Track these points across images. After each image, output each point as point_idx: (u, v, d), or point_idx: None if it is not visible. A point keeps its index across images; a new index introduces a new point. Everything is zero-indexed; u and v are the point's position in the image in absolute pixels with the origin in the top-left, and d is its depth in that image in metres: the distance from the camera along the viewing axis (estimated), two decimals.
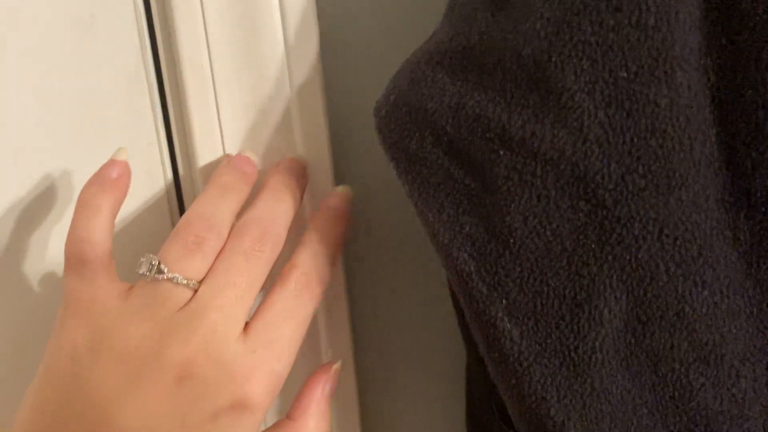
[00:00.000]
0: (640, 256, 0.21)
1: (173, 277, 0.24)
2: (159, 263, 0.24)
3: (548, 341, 0.22)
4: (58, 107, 0.29)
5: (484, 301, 0.23)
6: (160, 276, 0.24)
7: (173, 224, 0.32)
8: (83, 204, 0.25)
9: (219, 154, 0.30)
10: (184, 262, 0.24)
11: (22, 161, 0.29)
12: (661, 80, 0.21)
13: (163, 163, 0.32)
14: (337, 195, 0.29)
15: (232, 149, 0.30)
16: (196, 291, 0.24)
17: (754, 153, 0.21)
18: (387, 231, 0.33)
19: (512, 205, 0.22)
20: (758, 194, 0.21)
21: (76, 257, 0.25)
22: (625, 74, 0.21)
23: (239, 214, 0.27)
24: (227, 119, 0.30)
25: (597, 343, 0.22)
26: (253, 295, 0.25)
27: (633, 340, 0.22)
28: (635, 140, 0.21)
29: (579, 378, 0.22)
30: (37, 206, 0.30)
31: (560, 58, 0.21)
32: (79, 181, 0.30)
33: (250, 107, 0.30)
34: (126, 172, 0.26)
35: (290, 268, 0.26)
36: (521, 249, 0.22)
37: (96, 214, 0.25)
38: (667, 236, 0.21)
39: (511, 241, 0.22)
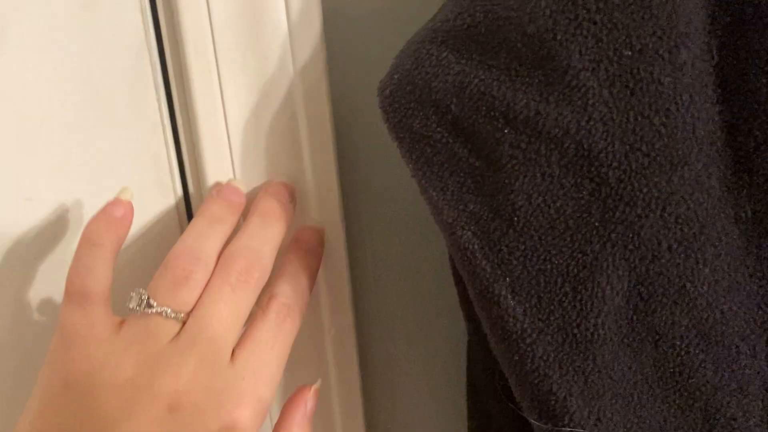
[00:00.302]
0: (642, 233, 0.22)
1: (162, 311, 0.25)
2: (148, 297, 0.25)
3: (551, 318, 0.22)
4: (60, 91, 0.29)
5: (488, 278, 0.23)
6: (150, 310, 0.25)
7: (178, 208, 0.32)
8: (87, 240, 0.26)
9: (223, 136, 0.30)
10: (173, 295, 0.25)
11: (22, 145, 0.29)
12: (665, 59, 0.21)
13: (167, 147, 0.32)
14: (311, 230, 0.31)
15: (236, 131, 0.30)
16: (184, 322, 0.25)
17: (757, 131, 0.21)
18: (391, 213, 0.34)
19: (516, 184, 0.22)
20: (760, 173, 0.22)
21: (77, 290, 0.26)
22: (630, 53, 0.21)
23: (228, 240, 0.28)
24: (231, 101, 0.30)
25: (599, 320, 0.22)
26: (240, 325, 0.26)
27: (634, 317, 0.22)
28: (639, 119, 0.21)
29: (581, 354, 0.22)
30: (38, 190, 0.30)
31: (565, 36, 0.21)
32: (84, 168, 0.30)
33: (254, 89, 0.30)
34: (130, 212, 0.27)
35: (270, 298, 0.27)
36: (525, 227, 0.22)
37: (99, 250, 0.26)
38: (670, 214, 0.21)
39: (515, 219, 0.22)
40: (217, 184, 0.30)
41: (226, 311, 0.25)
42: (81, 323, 0.25)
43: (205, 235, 0.27)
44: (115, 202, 0.27)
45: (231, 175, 0.31)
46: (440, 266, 0.34)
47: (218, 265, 0.27)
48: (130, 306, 0.25)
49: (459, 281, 0.29)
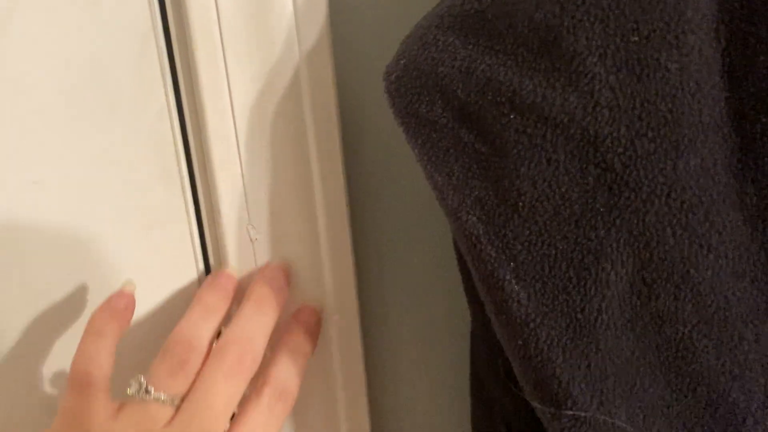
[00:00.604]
0: (647, 219, 0.22)
1: (159, 397, 0.27)
2: (147, 384, 0.27)
3: (555, 303, 0.22)
4: (66, 76, 0.29)
5: (492, 263, 0.23)
6: (148, 396, 0.27)
7: (184, 194, 0.32)
8: (92, 330, 0.28)
9: (228, 120, 0.30)
10: (169, 382, 0.27)
11: (28, 130, 0.29)
12: (672, 45, 0.21)
13: (173, 132, 0.32)
14: (309, 310, 0.32)
15: (241, 116, 0.30)
16: (178, 407, 0.27)
17: (764, 118, 0.21)
18: (395, 199, 0.34)
19: (522, 169, 0.22)
20: (766, 159, 0.22)
21: (80, 377, 0.27)
22: (637, 38, 0.21)
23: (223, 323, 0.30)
24: (236, 87, 0.30)
25: (603, 305, 0.22)
26: (231, 410, 0.28)
27: (638, 302, 0.22)
28: (645, 105, 0.21)
29: (584, 339, 0.22)
30: (43, 173, 0.30)
31: (572, 22, 0.21)
32: (89, 152, 0.30)
33: (260, 75, 0.30)
34: (132, 304, 0.30)
35: (264, 383, 0.29)
36: (530, 212, 0.22)
37: (102, 340, 0.28)
38: (674, 200, 0.21)
39: (520, 204, 0.22)
40: (212, 273, 0.32)
41: (218, 398, 0.27)
42: (80, 408, 0.27)
43: (200, 324, 0.29)
44: (119, 295, 0.29)
45: (237, 161, 0.31)
46: (445, 253, 0.34)
47: (213, 353, 0.28)
48: (130, 392, 0.27)
49: (463, 268, 0.29)
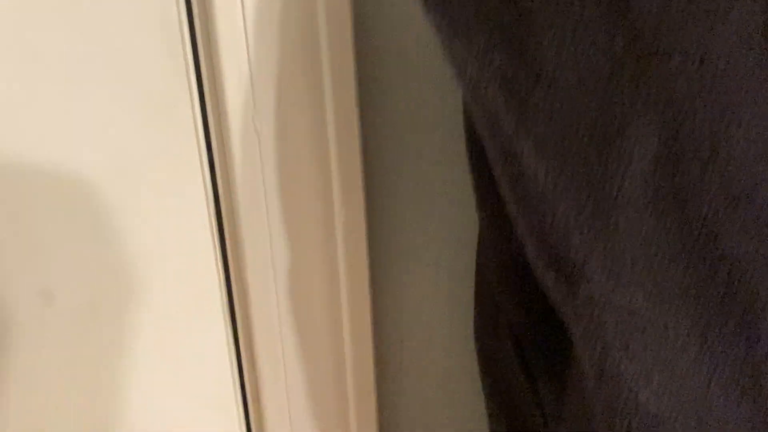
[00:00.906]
0: (677, 88, 0.20)
1: None
2: None
3: (574, 178, 0.21)
4: None
5: (511, 137, 0.22)
6: None
7: (188, 78, 0.31)
8: None
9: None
10: None
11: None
12: None
13: (179, 12, 0.30)
14: None
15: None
16: None
17: None
18: (407, 77, 0.33)
19: (547, 37, 0.21)
20: None
21: None
22: None
23: None
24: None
25: (625, 181, 0.21)
26: None
27: (662, 179, 0.21)
28: None
29: (603, 215, 0.21)
30: (44, 47, 0.29)
31: None
32: (94, 30, 0.29)
33: None
34: None
35: None
36: (553, 82, 0.21)
37: None
38: (707, 68, 0.20)
39: (543, 74, 0.21)
40: None
41: None
42: None
43: None
44: None
45: (244, 45, 0.30)
46: (457, 155, 0.33)
47: None
48: None
49: (474, 165, 0.28)
